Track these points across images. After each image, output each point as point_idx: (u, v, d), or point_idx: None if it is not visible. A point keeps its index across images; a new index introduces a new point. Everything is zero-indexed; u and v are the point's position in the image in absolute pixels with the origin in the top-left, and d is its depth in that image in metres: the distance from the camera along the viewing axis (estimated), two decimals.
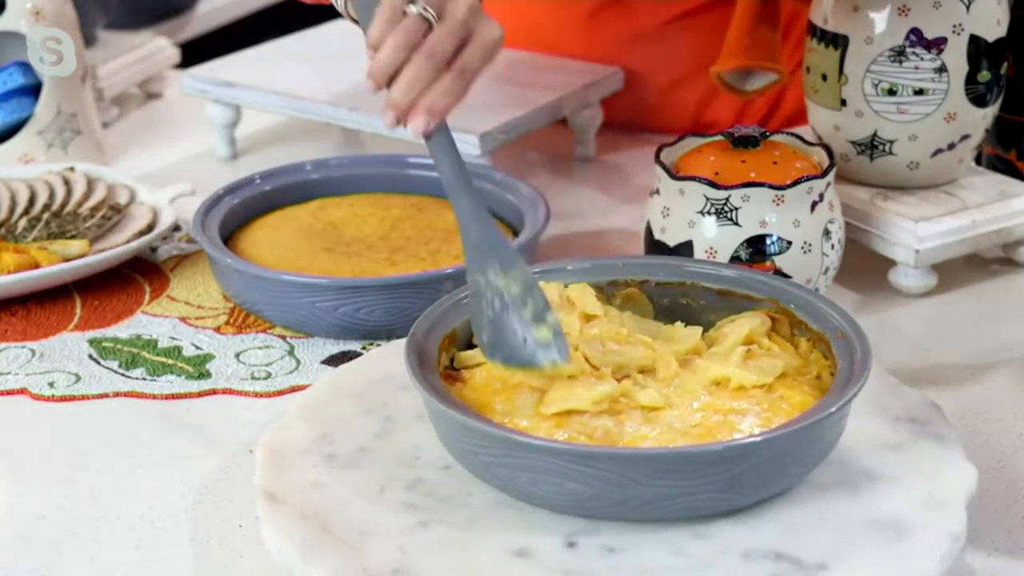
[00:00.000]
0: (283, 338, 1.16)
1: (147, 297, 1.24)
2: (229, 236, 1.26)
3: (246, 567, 0.90)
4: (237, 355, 1.14)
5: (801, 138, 1.16)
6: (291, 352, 1.15)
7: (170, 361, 1.14)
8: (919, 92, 1.19)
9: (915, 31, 1.18)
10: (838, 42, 1.21)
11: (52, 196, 1.33)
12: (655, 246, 1.13)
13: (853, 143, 1.23)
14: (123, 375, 1.12)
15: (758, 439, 0.85)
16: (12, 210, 1.32)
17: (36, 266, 1.22)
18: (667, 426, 0.91)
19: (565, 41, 1.53)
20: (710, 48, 1.42)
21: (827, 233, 1.11)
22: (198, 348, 1.15)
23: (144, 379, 1.11)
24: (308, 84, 1.47)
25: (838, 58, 1.21)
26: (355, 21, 1.03)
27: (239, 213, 1.28)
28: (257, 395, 1.09)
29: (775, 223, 1.09)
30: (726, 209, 1.09)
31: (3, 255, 1.21)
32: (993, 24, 1.19)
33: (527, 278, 0.93)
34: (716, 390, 0.95)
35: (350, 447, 0.94)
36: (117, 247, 1.25)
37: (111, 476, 1.00)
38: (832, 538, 0.85)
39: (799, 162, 1.12)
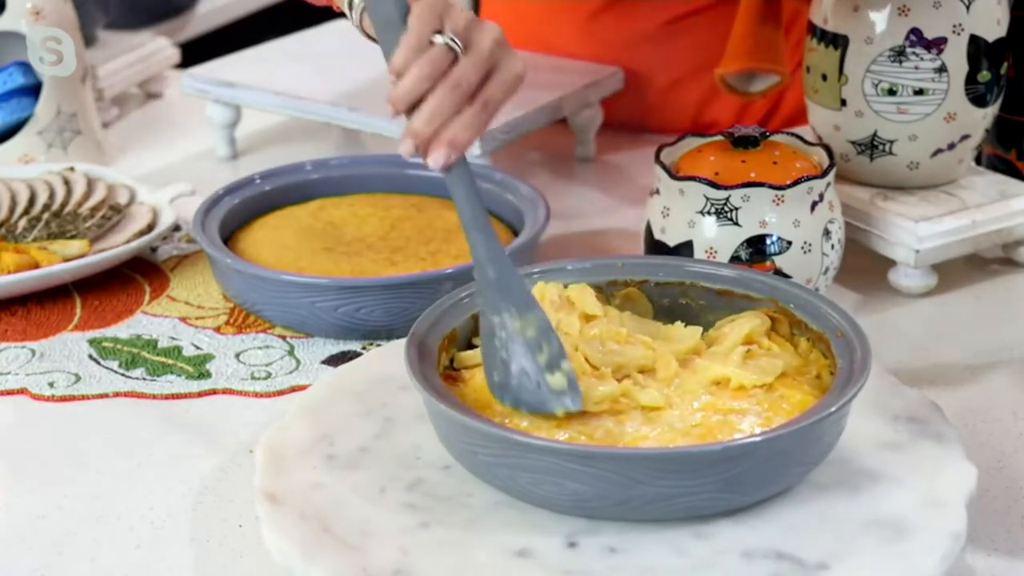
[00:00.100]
0: (283, 338, 1.16)
1: (147, 297, 1.24)
2: (229, 236, 1.26)
3: (246, 567, 0.90)
4: (237, 355, 1.14)
5: (801, 138, 1.16)
6: (291, 352, 1.15)
7: (170, 361, 1.14)
8: (919, 92, 1.19)
9: (915, 31, 1.18)
10: (838, 42, 1.21)
11: (52, 196, 1.33)
12: (655, 246, 1.13)
13: (853, 143, 1.23)
14: (123, 375, 1.12)
15: (758, 439, 0.85)
16: (12, 210, 1.32)
17: (36, 266, 1.22)
18: (667, 426, 0.91)
19: (565, 42, 1.53)
20: (710, 48, 1.42)
21: (827, 233, 1.11)
22: (198, 348, 1.15)
23: (144, 379, 1.11)
24: (308, 84, 1.47)
25: (838, 58, 1.21)
26: (367, 35, 1.02)
27: (239, 213, 1.28)
28: (257, 395, 1.09)
29: (775, 223, 1.09)
30: (726, 209, 1.09)
31: (3, 255, 1.21)
32: (993, 24, 1.19)
33: (543, 323, 0.92)
34: (716, 390, 0.95)
35: (350, 447, 0.94)
36: (117, 247, 1.25)
37: (111, 476, 1.00)
38: (832, 538, 0.85)
39: (799, 162, 1.12)
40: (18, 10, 1.47)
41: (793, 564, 0.83)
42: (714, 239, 1.09)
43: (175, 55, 1.76)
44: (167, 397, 1.09)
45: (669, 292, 1.03)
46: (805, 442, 0.87)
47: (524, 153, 1.53)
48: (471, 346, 0.99)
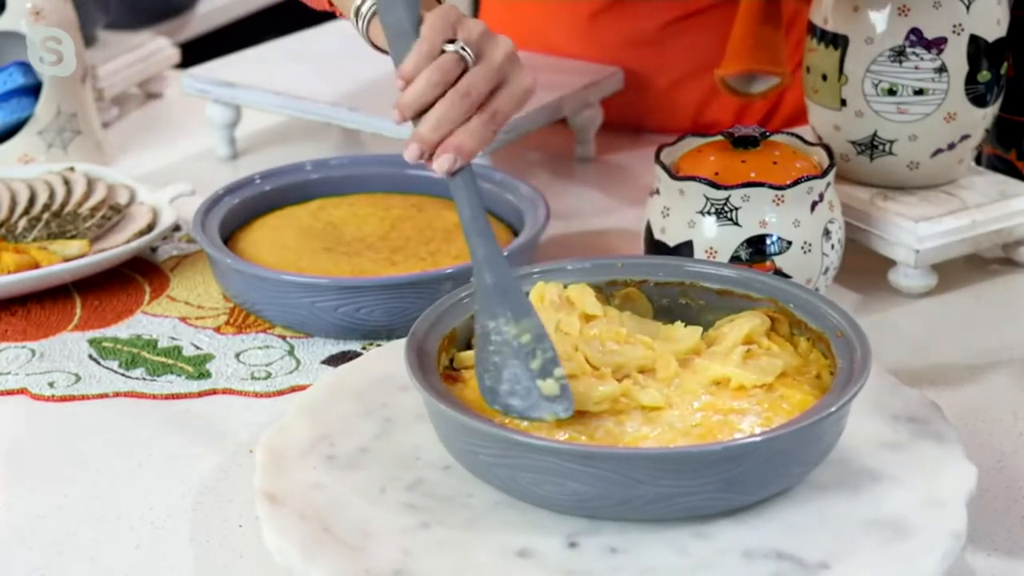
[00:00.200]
0: (283, 338, 1.16)
1: (147, 297, 1.24)
2: (229, 236, 1.26)
3: (246, 567, 0.90)
4: (237, 355, 1.14)
5: (801, 138, 1.16)
6: (291, 352, 1.15)
7: (170, 361, 1.14)
8: (919, 92, 1.19)
9: (915, 31, 1.18)
10: (838, 42, 1.21)
11: (52, 196, 1.33)
12: (655, 246, 1.13)
13: (853, 143, 1.23)
14: (123, 375, 1.12)
15: (758, 439, 0.85)
16: (12, 210, 1.32)
17: (36, 266, 1.22)
18: (668, 426, 0.91)
19: (565, 42, 1.53)
20: (710, 49, 1.42)
21: (827, 233, 1.11)
22: (198, 348, 1.15)
23: (144, 379, 1.11)
24: (308, 84, 1.47)
25: (838, 58, 1.21)
26: (373, 44, 1.02)
27: (239, 213, 1.28)
28: (257, 395, 1.09)
29: (775, 223, 1.09)
30: (726, 209, 1.09)
31: (3, 255, 1.21)
32: (993, 24, 1.19)
33: (538, 329, 0.92)
34: (716, 390, 0.95)
35: (350, 448, 0.94)
36: (117, 247, 1.25)
37: (111, 476, 1.00)
38: (833, 537, 0.85)
39: (799, 162, 1.12)
40: (18, 10, 1.47)
41: (793, 564, 0.83)
42: (714, 239, 1.09)
43: (175, 55, 1.76)
44: (167, 397, 1.09)
45: (669, 292, 1.03)
46: (805, 442, 0.87)
47: (524, 153, 1.53)
48: (471, 346, 0.99)
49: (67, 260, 1.23)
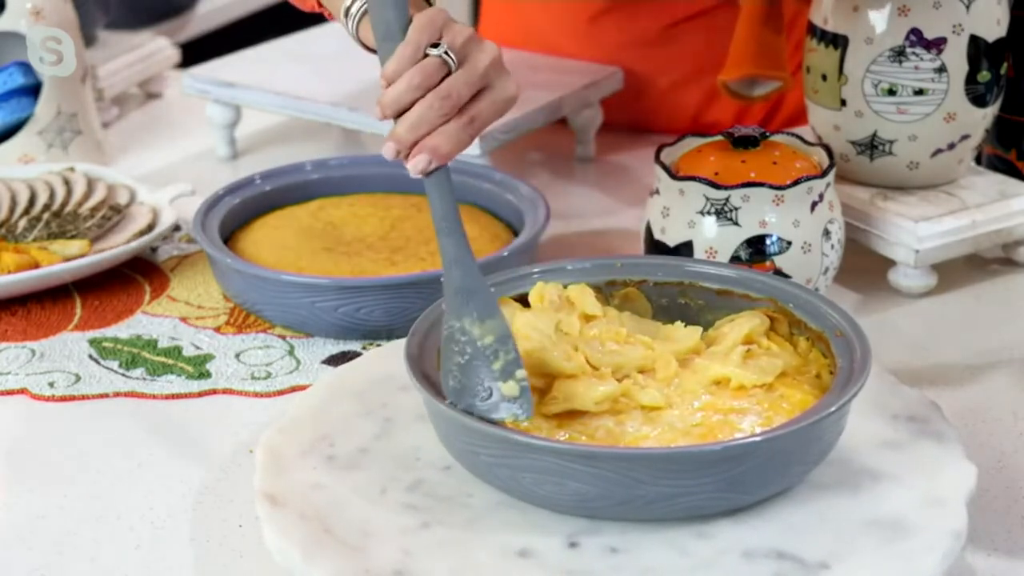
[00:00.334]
0: (283, 338, 1.16)
1: (147, 297, 1.24)
2: (229, 236, 1.26)
3: (246, 567, 0.90)
4: (237, 355, 1.14)
5: (801, 138, 1.16)
6: (291, 352, 1.15)
7: (170, 361, 1.14)
8: (919, 92, 1.19)
9: (915, 31, 1.18)
10: (838, 42, 1.21)
11: (52, 196, 1.33)
12: (655, 246, 1.13)
13: (853, 143, 1.23)
14: (123, 375, 1.12)
15: (759, 438, 0.85)
16: (12, 210, 1.32)
17: (36, 266, 1.22)
18: (668, 426, 0.91)
19: (566, 43, 1.53)
20: (710, 51, 1.42)
21: (827, 233, 1.11)
22: (198, 348, 1.15)
23: (144, 379, 1.11)
24: (308, 84, 1.47)
25: (838, 58, 1.21)
26: (363, 44, 1.02)
27: (239, 213, 1.28)
28: (257, 395, 1.09)
29: (775, 223, 1.09)
30: (726, 209, 1.09)
31: (3, 255, 1.21)
32: (993, 24, 1.19)
33: (502, 330, 0.92)
34: (716, 389, 0.95)
35: (350, 448, 0.94)
36: (117, 247, 1.25)
37: (111, 476, 1.00)
38: (833, 537, 0.85)
39: (799, 162, 1.12)
40: (18, 10, 1.47)
41: (794, 564, 0.83)
42: (714, 239, 1.09)
43: (175, 55, 1.76)
44: (167, 397, 1.09)
45: (668, 292, 1.03)
46: (805, 442, 0.87)
47: (524, 153, 1.53)
48: None
49: (67, 260, 1.23)
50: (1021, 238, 1.24)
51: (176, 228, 1.35)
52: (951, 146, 1.22)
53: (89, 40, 1.66)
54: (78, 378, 1.12)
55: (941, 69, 1.19)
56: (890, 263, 1.21)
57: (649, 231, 1.14)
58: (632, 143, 1.54)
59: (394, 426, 0.96)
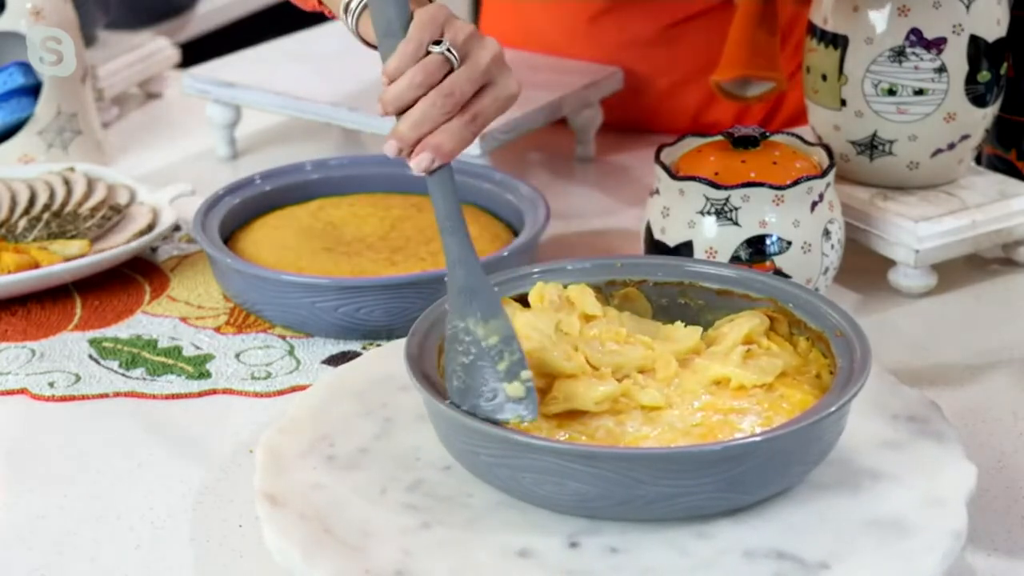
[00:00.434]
0: (283, 338, 1.16)
1: (147, 297, 1.24)
2: (229, 236, 1.26)
3: (246, 567, 0.90)
4: (237, 355, 1.14)
5: (801, 138, 1.16)
6: (291, 352, 1.15)
7: (170, 361, 1.14)
8: (919, 92, 1.19)
9: (915, 31, 1.18)
10: (838, 42, 1.21)
11: (52, 196, 1.33)
12: (655, 246, 1.13)
13: (853, 143, 1.23)
14: (123, 375, 1.12)
15: (759, 438, 0.85)
16: (12, 210, 1.32)
17: (36, 266, 1.22)
18: (668, 426, 0.91)
19: (566, 44, 1.53)
20: (710, 52, 1.42)
21: (827, 233, 1.11)
22: (198, 348, 1.15)
23: (144, 379, 1.11)
24: (308, 84, 1.47)
25: (838, 58, 1.21)
26: (363, 40, 1.02)
27: (239, 213, 1.28)
28: (257, 395, 1.09)
29: (775, 223, 1.09)
30: (726, 209, 1.09)
31: (3, 255, 1.21)
32: (993, 24, 1.19)
33: (506, 331, 0.92)
34: (716, 389, 0.95)
35: (350, 448, 0.94)
36: (117, 247, 1.25)
37: (111, 476, 1.00)
38: (833, 537, 0.85)
39: (799, 162, 1.12)
40: (18, 10, 1.47)
41: (794, 563, 0.83)
42: (714, 239, 1.09)
43: (175, 55, 1.76)
44: (167, 397, 1.09)
45: (667, 292, 1.03)
46: (805, 442, 0.87)
47: (524, 153, 1.53)
48: None
49: (67, 260, 1.23)
50: (1021, 238, 1.24)
51: (176, 228, 1.35)
52: (951, 146, 1.22)
53: (89, 40, 1.66)
54: (78, 378, 1.12)
55: (941, 69, 1.19)
56: (890, 263, 1.21)
57: (649, 231, 1.14)
58: (632, 143, 1.54)
59: (394, 426, 0.96)
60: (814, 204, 1.10)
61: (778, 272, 1.09)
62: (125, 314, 1.21)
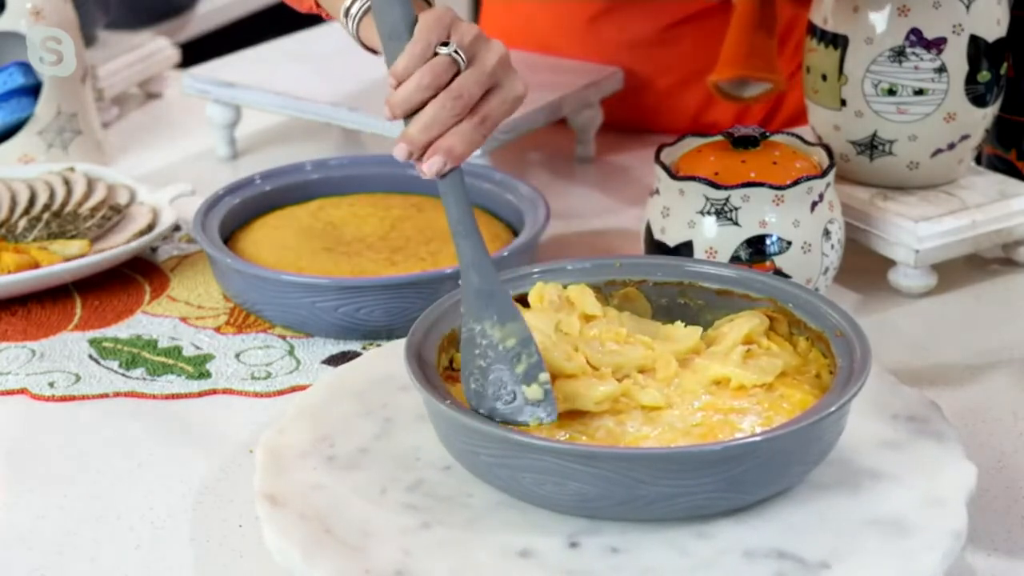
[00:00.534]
0: (283, 338, 1.16)
1: (147, 297, 1.24)
2: (229, 236, 1.26)
3: (246, 567, 0.90)
4: (237, 355, 1.14)
5: (801, 138, 1.16)
6: (291, 352, 1.15)
7: (170, 361, 1.14)
8: (919, 92, 1.19)
9: (915, 31, 1.18)
10: (838, 42, 1.21)
11: (52, 196, 1.33)
12: (655, 246, 1.13)
13: (853, 143, 1.23)
14: (123, 375, 1.12)
15: (759, 438, 0.85)
16: (12, 210, 1.32)
17: (36, 266, 1.22)
18: (668, 426, 0.91)
19: (565, 44, 1.53)
20: (710, 52, 1.42)
21: (827, 233, 1.11)
22: (198, 348, 1.15)
23: (144, 379, 1.11)
24: (308, 84, 1.47)
25: (838, 58, 1.21)
26: (364, 44, 1.02)
27: (239, 213, 1.28)
28: (257, 395, 1.09)
29: (775, 223, 1.09)
30: (726, 209, 1.09)
31: (3, 255, 1.21)
32: (993, 24, 1.19)
33: (523, 333, 0.92)
34: (716, 389, 0.95)
35: (350, 448, 0.94)
36: (117, 247, 1.25)
37: (111, 476, 1.00)
38: (834, 537, 0.85)
39: (799, 162, 1.12)
40: (18, 10, 1.47)
41: (795, 563, 0.83)
42: (714, 239, 1.09)
43: (175, 55, 1.76)
44: (167, 397, 1.09)
45: (667, 292, 1.03)
46: (805, 441, 0.87)
47: (524, 153, 1.53)
48: None
49: (67, 260, 1.23)
50: (1021, 238, 1.24)
51: (176, 228, 1.35)
52: (951, 146, 1.22)
53: (89, 40, 1.66)
54: (78, 378, 1.12)
55: (941, 69, 1.19)
56: (890, 263, 1.21)
57: (649, 231, 1.14)
58: (632, 143, 1.54)
59: (394, 426, 0.96)
60: (814, 204, 1.10)
61: (778, 272, 1.09)
62: (125, 314, 1.21)
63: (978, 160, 1.34)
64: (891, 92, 1.20)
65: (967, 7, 1.18)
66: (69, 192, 1.34)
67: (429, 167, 0.92)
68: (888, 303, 1.21)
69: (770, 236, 1.09)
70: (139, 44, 1.72)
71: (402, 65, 0.93)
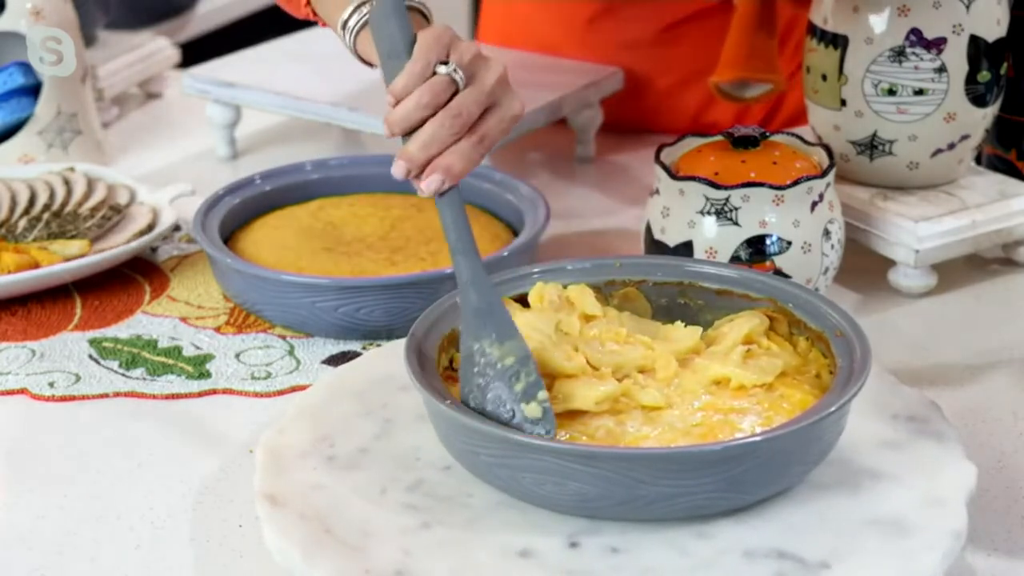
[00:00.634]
0: (283, 338, 1.16)
1: (147, 297, 1.24)
2: (229, 236, 1.26)
3: (246, 567, 0.90)
4: (237, 355, 1.14)
5: (801, 138, 1.16)
6: (291, 352, 1.15)
7: (170, 361, 1.14)
8: (919, 92, 1.19)
9: (915, 31, 1.18)
10: (838, 42, 1.21)
11: (52, 196, 1.33)
12: (655, 246, 1.13)
13: (853, 143, 1.23)
14: (123, 375, 1.12)
15: (759, 438, 0.85)
16: (12, 210, 1.32)
17: (36, 266, 1.22)
18: (668, 426, 0.91)
19: (565, 45, 1.53)
20: (710, 52, 1.42)
21: (827, 233, 1.11)
22: (198, 348, 1.15)
23: (144, 379, 1.11)
24: (308, 84, 1.47)
25: (838, 58, 1.21)
26: (361, 58, 1.02)
27: (239, 213, 1.28)
28: (257, 395, 1.09)
29: (775, 223, 1.09)
30: (726, 209, 1.09)
31: (3, 255, 1.21)
32: (993, 24, 1.19)
33: (522, 352, 0.92)
34: (716, 389, 0.95)
35: (350, 448, 0.94)
36: (117, 247, 1.25)
37: (111, 476, 1.00)
38: (834, 537, 0.85)
39: (799, 162, 1.12)
40: (18, 10, 1.47)
41: (795, 563, 0.83)
42: (714, 239, 1.09)
43: (175, 55, 1.76)
44: (167, 397, 1.09)
45: (667, 292, 1.03)
46: (805, 441, 0.87)
47: (524, 153, 1.53)
48: None
49: (67, 260, 1.23)
50: (1021, 238, 1.24)
51: (176, 228, 1.35)
52: (951, 146, 1.22)
53: (89, 40, 1.66)
54: (78, 378, 1.12)
55: (941, 69, 1.19)
56: (890, 263, 1.21)
57: (649, 231, 1.14)
58: (632, 143, 1.54)
59: (394, 426, 0.96)
60: (814, 204, 1.10)
61: (778, 272, 1.09)
62: (125, 314, 1.21)
63: (978, 160, 1.34)
64: (891, 92, 1.20)
65: (967, 7, 1.18)
66: (69, 192, 1.34)
67: (428, 185, 0.93)
68: (888, 303, 1.21)
69: (770, 236, 1.09)
70: (139, 44, 1.72)
71: (401, 84, 0.93)
